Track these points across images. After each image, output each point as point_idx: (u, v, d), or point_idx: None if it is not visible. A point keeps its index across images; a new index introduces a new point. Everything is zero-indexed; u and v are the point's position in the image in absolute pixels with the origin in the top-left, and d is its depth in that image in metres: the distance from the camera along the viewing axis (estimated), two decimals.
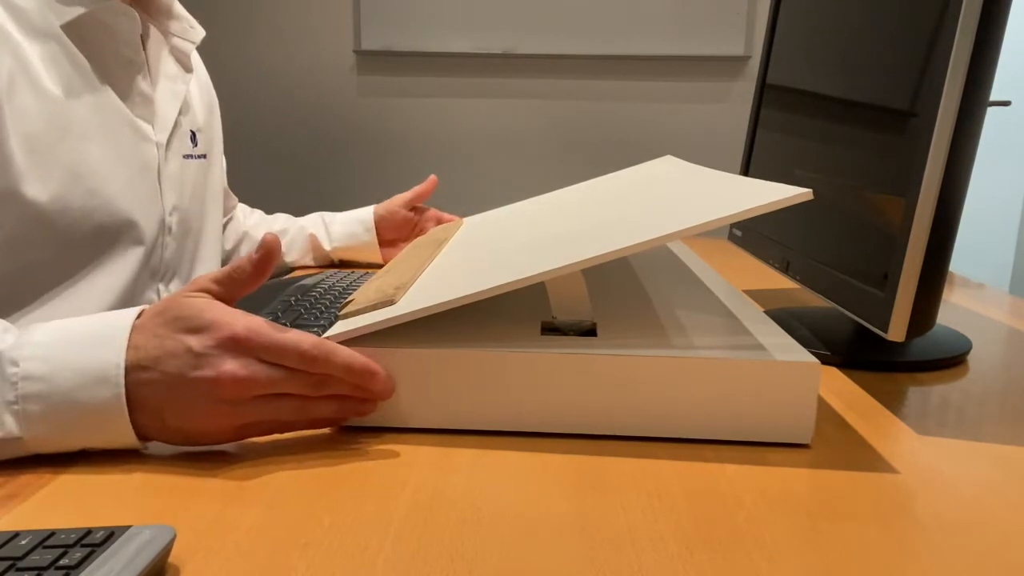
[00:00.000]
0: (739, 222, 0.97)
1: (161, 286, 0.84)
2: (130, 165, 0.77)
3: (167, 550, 0.36)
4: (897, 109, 0.61)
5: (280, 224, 1.13)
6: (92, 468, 0.46)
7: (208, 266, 0.94)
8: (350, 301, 0.60)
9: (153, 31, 0.84)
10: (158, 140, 0.82)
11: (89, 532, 0.35)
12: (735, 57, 2.69)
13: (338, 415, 0.51)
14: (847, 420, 0.56)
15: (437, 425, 0.52)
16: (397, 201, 1.11)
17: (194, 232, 0.90)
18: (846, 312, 0.65)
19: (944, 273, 0.57)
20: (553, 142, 2.82)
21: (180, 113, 0.86)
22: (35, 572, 0.32)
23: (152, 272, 0.82)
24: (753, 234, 0.91)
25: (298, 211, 1.18)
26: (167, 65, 0.86)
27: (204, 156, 0.93)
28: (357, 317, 0.55)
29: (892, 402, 0.60)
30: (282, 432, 0.50)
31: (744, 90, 2.73)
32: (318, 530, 0.40)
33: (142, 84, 0.80)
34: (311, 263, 1.11)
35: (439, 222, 1.12)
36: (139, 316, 0.48)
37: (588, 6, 2.68)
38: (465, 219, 0.95)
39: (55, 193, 0.69)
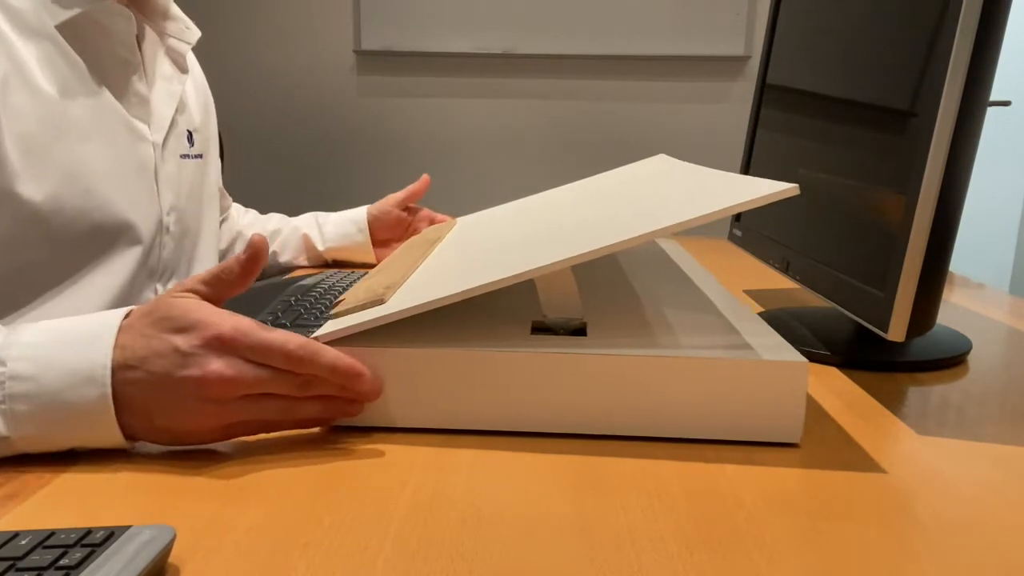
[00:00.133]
0: (739, 222, 0.97)
1: (159, 286, 0.84)
2: (126, 165, 0.77)
3: (167, 550, 0.36)
4: (897, 109, 0.61)
5: (274, 224, 1.13)
6: (92, 468, 0.46)
7: (206, 266, 0.94)
8: (340, 301, 0.60)
9: (149, 31, 0.84)
10: (154, 140, 0.82)
11: (89, 532, 0.35)
12: (735, 57, 2.69)
13: (325, 415, 0.51)
14: (848, 420, 0.56)
15: (426, 425, 0.52)
16: (390, 201, 1.11)
17: (192, 232, 0.90)
18: (846, 312, 0.65)
19: (944, 273, 0.57)
20: (553, 142, 2.82)
21: (176, 113, 0.86)
22: (35, 572, 0.32)
23: (150, 272, 0.82)
24: (753, 234, 0.91)
25: (298, 211, 1.18)
26: (163, 65, 0.86)
27: (201, 156, 0.93)
28: (346, 317, 0.55)
29: (892, 402, 0.60)
30: (268, 432, 0.51)
31: (744, 90, 2.73)
32: (318, 530, 0.40)
33: (138, 84, 0.80)
34: (304, 263, 1.11)
35: (432, 222, 1.12)
36: (127, 316, 0.49)
37: (588, 6, 2.68)
38: (459, 219, 0.95)
39: (50, 193, 0.69)
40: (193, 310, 0.47)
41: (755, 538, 0.40)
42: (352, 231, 1.10)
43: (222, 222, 1.10)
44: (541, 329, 0.56)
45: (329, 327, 0.53)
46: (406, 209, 1.12)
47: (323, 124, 2.84)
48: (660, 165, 0.84)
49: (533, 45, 2.71)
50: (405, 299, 0.54)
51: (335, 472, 0.47)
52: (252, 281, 0.51)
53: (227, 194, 1.11)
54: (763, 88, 0.95)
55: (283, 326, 0.69)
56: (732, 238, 0.99)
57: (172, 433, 0.48)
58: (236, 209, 1.14)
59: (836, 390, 0.62)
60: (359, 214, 1.10)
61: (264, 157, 2.85)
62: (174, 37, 0.87)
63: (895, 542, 0.40)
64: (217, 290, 0.51)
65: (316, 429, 0.52)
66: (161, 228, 0.83)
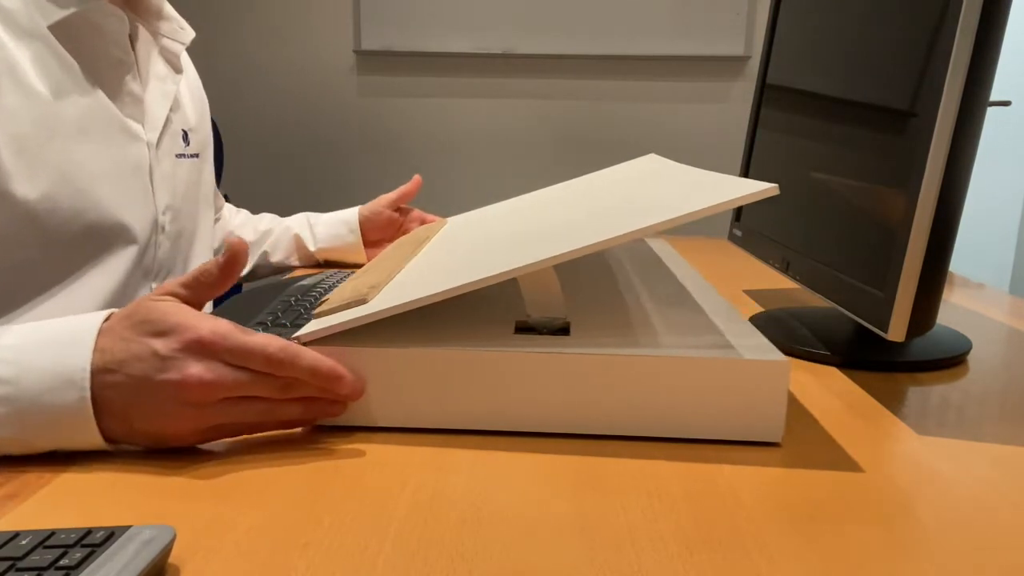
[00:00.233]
0: (739, 222, 0.97)
1: (155, 285, 0.84)
2: (121, 165, 0.77)
3: (167, 550, 0.36)
4: (897, 109, 0.61)
5: (265, 224, 1.13)
6: (92, 468, 0.46)
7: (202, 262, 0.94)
8: (325, 300, 0.60)
9: (142, 31, 0.84)
10: (149, 140, 0.82)
11: (89, 532, 0.35)
12: (735, 57, 2.69)
13: (306, 417, 0.51)
14: (848, 420, 0.56)
15: (409, 424, 0.52)
16: (382, 202, 1.11)
17: (188, 231, 0.90)
18: (846, 312, 0.65)
19: (944, 273, 0.57)
20: (553, 142, 2.82)
21: (171, 112, 0.86)
22: (35, 572, 0.32)
23: (145, 271, 0.82)
24: (753, 234, 0.91)
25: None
26: (157, 65, 0.86)
27: (197, 155, 0.93)
28: (328, 316, 0.55)
29: (892, 402, 0.60)
30: (250, 433, 0.51)
31: (744, 90, 2.73)
32: (318, 530, 0.40)
33: (131, 84, 0.80)
34: (296, 263, 1.11)
35: (423, 222, 1.12)
36: (107, 319, 0.49)
37: (588, 6, 2.68)
38: (449, 219, 0.95)
39: (44, 193, 0.69)
40: (172, 313, 0.47)
41: (755, 538, 0.40)
42: (343, 232, 1.10)
43: (215, 222, 1.10)
44: (525, 329, 0.56)
45: (311, 327, 0.53)
46: (398, 210, 1.12)
47: (323, 124, 2.84)
48: (649, 165, 0.85)
49: (533, 45, 2.71)
50: (388, 299, 0.54)
51: (335, 472, 0.47)
52: (231, 283, 0.51)
53: (220, 194, 1.11)
54: (763, 88, 0.95)
55: (283, 326, 0.69)
56: (732, 238, 0.99)
57: (152, 436, 0.48)
58: (228, 209, 1.14)
59: (836, 390, 0.62)
60: (351, 215, 1.10)
61: (264, 157, 2.85)
62: (168, 37, 0.87)
63: (895, 542, 0.40)
64: (197, 293, 0.51)
65: (302, 429, 0.52)
66: (156, 228, 0.83)
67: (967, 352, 0.72)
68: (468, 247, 0.67)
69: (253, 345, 0.47)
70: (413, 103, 2.82)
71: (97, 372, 0.46)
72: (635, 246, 0.95)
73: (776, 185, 0.49)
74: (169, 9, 0.87)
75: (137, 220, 0.79)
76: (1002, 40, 0.53)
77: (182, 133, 0.89)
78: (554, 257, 0.50)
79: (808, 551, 0.39)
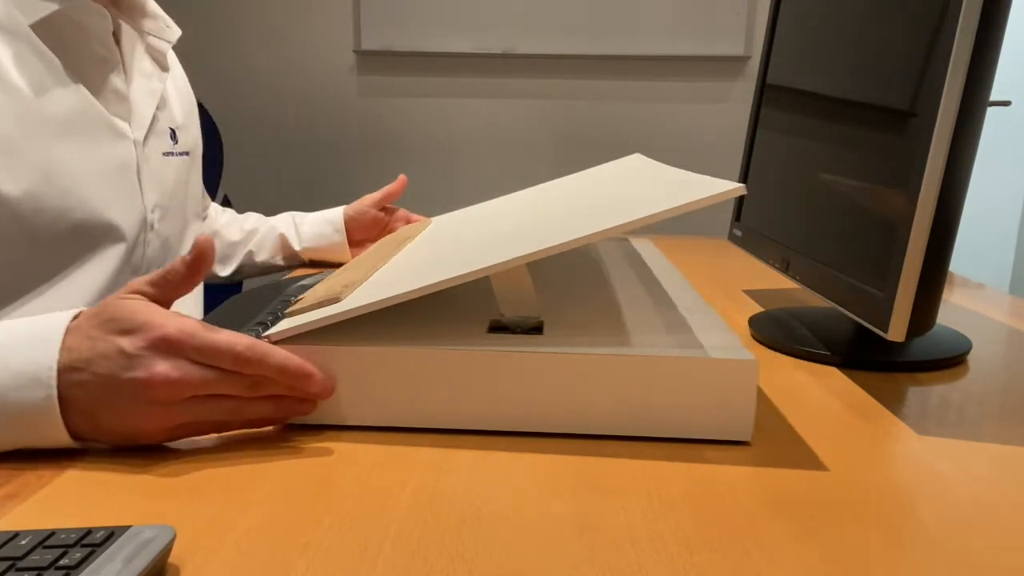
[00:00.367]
0: (739, 222, 0.97)
1: None
2: (107, 163, 0.77)
3: (167, 550, 0.36)
4: (897, 109, 0.61)
5: (251, 224, 1.13)
6: (92, 468, 0.46)
7: None
8: (299, 300, 0.60)
9: (127, 29, 0.84)
10: (135, 137, 0.81)
11: (89, 532, 0.35)
12: (735, 57, 2.69)
13: (276, 415, 0.51)
14: (847, 420, 0.56)
15: (380, 423, 0.52)
16: (367, 201, 1.11)
17: (178, 229, 0.90)
18: (846, 312, 0.65)
19: (944, 273, 0.57)
20: (553, 142, 2.82)
21: (157, 110, 0.85)
22: (35, 572, 0.32)
23: (134, 269, 0.82)
24: (753, 234, 0.91)
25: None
26: (143, 63, 0.85)
27: (187, 154, 0.92)
28: (300, 316, 0.55)
29: (892, 402, 0.60)
30: (219, 432, 0.51)
31: (744, 90, 2.73)
32: (318, 530, 0.40)
33: (116, 82, 0.80)
34: (281, 263, 1.11)
35: (408, 222, 1.12)
36: (75, 318, 0.49)
37: (588, 6, 2.67)
38: (434, 218, 0.96)
39: (27, 191, 0.69)
40: (140, 312, 0.47)
41: (755, 538, 0.40)
42: (329, 231, 1.10)
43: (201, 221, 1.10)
44: (499, 328, 0.56)
45: (281, 325, 0.53)
46: (383, 209, 1.12)
47: (323, 124, 2.84)
48: (632, 164, 0.85)
49: (533, 45, 2.71)
50: (360, 298, 0.54)
51: (335, 472, 0.47)
52: (199, 281, 0.51)
53: (206, 194, 1.11)
54: (763, 88, 0.95)
55: None
56: (732, 238, 0.99)
57: (120, 434, 0.48)
58: (214, 209, 1.14)
59: (836, 390, 0.62)
60: (336, 214, 1.10)
61: (264, 157, 2.85)
62: (153, 35, 0.87)
63: (895, 542, 0.40)
64: (164, 291, 0.51)
65: (273, 428, 0.52)
66: (145, 226, 0.82)
67: (967, 352, 0.72)
68: (445, 246, 0.67)
69: (220, 343, 0.47)
70: (413, 103, 2.82)
71: (64, 370, 0.46)
72: (619, 245, 0.96)
73: (742, 186, 0.49)
74: (154, 7, 0.87)
75: (125, 218, 0.79)
76: (1002, 40, 0.53)
77: (169, 131, 0.89)
78: (521, 257, 0.50)
79: (808, 551, 0.39)
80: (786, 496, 0.44)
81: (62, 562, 0.33)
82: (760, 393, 0.61)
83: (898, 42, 0.62)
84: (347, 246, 1.09)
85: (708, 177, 0.56)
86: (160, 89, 0.87)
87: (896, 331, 0.57)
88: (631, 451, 0.50)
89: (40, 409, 0.46)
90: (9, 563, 0.33)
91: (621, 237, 1.06)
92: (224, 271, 1.10)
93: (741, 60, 2.71)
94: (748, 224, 0.94)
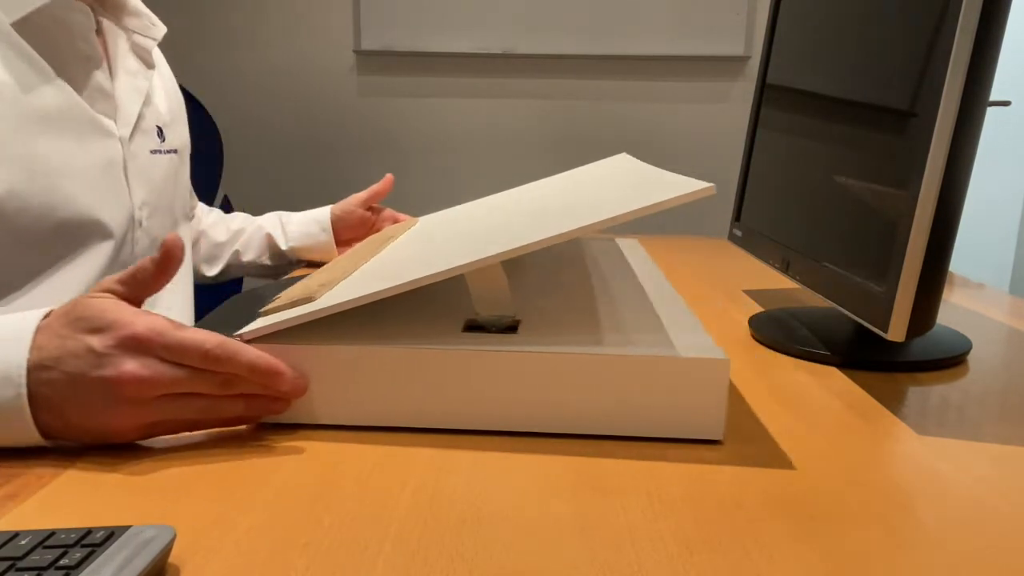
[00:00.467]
0: (739, 222, 0.97)
1: None
2: (92, 160, 0.77)
3: (167, 550, 0.36)
4: (897, 109, 0.61)
5: (238, 223, 1.13)
6: (92, 468, 0.46)
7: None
8: (277, 298, 0.60)
9: (112, 27, 0.84)
10: (121, 135, 0.81)
11: (89, 532, 0.35)
12: (735, 57, 2.69)
13: (249, 413, 0.51)
14: (847, 420, 0.56)
15: (354, 422, 0.52)
16: (353, 201, 1.11)
17: (167, 227, 0.89)
18: (846, 312, 0.65)
19: (944, 273, 0.57)
20: (553, 142, 2.82)
21: (143, 107, 0.85)
22: (35, 572, 0.32)
23: (122, 266, 0.82)
24: (753, 234, 0.91)
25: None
26: (128, 61, 0.85)
27: (175, 151, 0.92)
28: (273, 315, 0.55)
29: (892, 402, 0.60)
30: (192, 431, 0.51)
31: (744, 90, 2.73)
32: (318, 530, 0.40)
33: (101, 79, 0.80)
34: (268, 262, 1.11)
35: (395, 221, 1.12)
36: (46, 317, 0.49)
37: (588, 6, 2.67)
38: (420, 218, 0.96)
39: (11, 189, 0.69)
40: (109, 310, 0.48)
41: (755, 538, 0.40)
42: (315, 230, 1.10)
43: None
44: (475, 327, 0.56)
45: (254, 324, 0.53)
46: (370, 208, 1.11)
47: (323, 124, 2.84)
48: (615, 164, 0.85)
49: (533, 45, 2.71)
50: (335, 296, 0.54)
51: (335, 472, 0.47)
52: (168, 280, 0.51)
53: (193, 193, 1.11)
54: (763, 88, 0.95)
55: None
56: (732, 238, 0.99)
57: (90, 432, 0.48)
58: (200, 208, 1.13)
59: (836, 390, 0.62)
60: (322, 213, 1.11)
61: (264, 157, 2.85)
62: (139, 33, 0.87)
63: (895, 542, 0.40)
64: (134, 289, 0.51)
65: (247, 426, 0.52)
66: (133, 223, 0.82)
67: (967, 352, 0.72)
68: (424, 246, 0.67)
69: (189, 341, 0.47)
70: (413, 103, 2.82)
71: (33, 369, 0.46)
72: (604, 245, 0.96)
73: (712, 185, 0.49)
74: (137, 4, 0.87)
75: (112, 216, 0.79)
76: (1002, 40, 0.53)
77: (156, 129, 0.89)
78: (489, 257, 0.50)
79: (808, 551, 0.39)
80: (786, 496, 0.44)
81: (62, 562, 0.33)
82: (760, 393, 0.61)
83: (898, 42, 0.62)
84: (334, 245, 1.09)
85: (684, 177, 0.56)
86: (146, 87, 0.87)
87: (896, 331, 0.57)
88: (631, 451, 0.50)
89: (10, 407, 0.46)
90: (9, 563, 0.33)
91: (607, 237, 1.06)
92: (211, 271, 1.10)
93: (741, 60, 2.71)
94: (748, 224, 0.94)
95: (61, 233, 0.74)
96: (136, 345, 0.46)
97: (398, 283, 0.51)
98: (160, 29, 0.90)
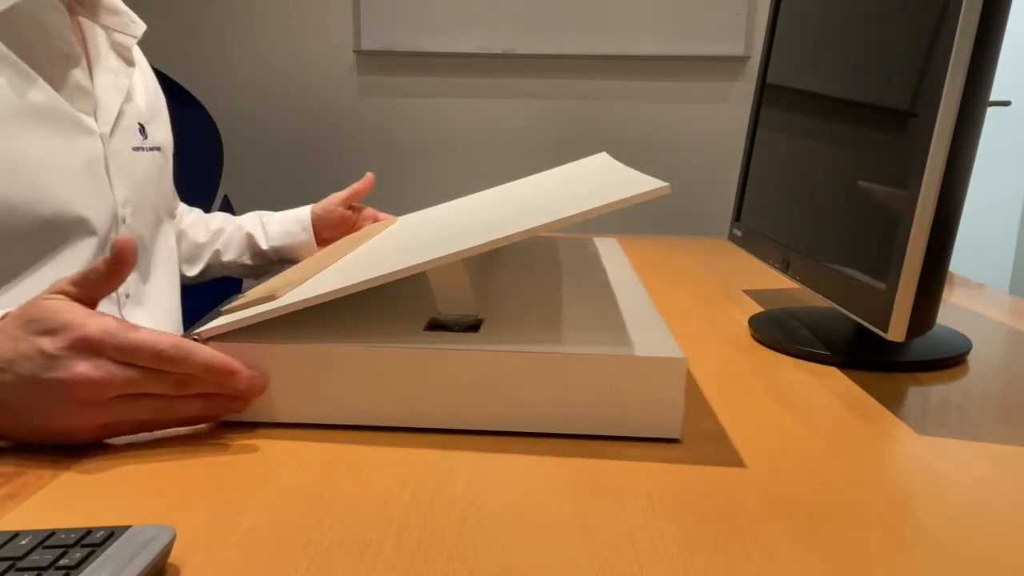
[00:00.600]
0: (739, 222, 0.97)
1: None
2: (73, 158, 0.77)
3: (167, 550, 0.35)
4: (897, 109, 0.61)
5: (218, 223, 1.12)
6: (92, 468, 0.46)
7: (165, 257, 0.94)
8: (240, 297, 0.60)
9: (89, 24, 0.84)
10: (102, 132, 0.81)
11: (89, 532, 0.35)
12: (735, 57, 2.69)
13: (207, 413, 0.51)
14: (847, 421, 0.56)
15: (313, 420, 0.53)
16: (334, 200, 1.11)
17: (150, 224, 0.90)
18: (846, 312, 0.65)
19: (944, 272, 0.57)
20: (553, 142, 2.82)
21: (124, 104, 0.85)
22: (35, 572, 0.32)
23: None
24: (753, 234, 0.91)
25: None
26: (108, 59, 0.86)
27: (158, 149, 0.92)
28: (233, 313, 0.55)
29: (892, 402, 0.60)
30: (150, 431, 0.51)
31: (744, 90, 2.73)
32: (318, 530, 0.40)
33: (80, 77, 0.80)
34: (248, 262, 1.11)
35: (376, 221, 1.12)
36: (1, 319, 0.49)
37: (588, 6, 2.67)
38: (400, 217, 0.95)
39: None
40: (62, 312, 0.47)
41: (755, 538, 0.40)
42: (296, 230, 1.09)
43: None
44: (437, 326, 0.56)
45: (213, 323, 0.53)
46: (351, 208, 1.11)
47: (323, 124, 2.84)
48: (592, 165, 0.85)
49: (533, 45, 2.71)
50: (297, 295, 0.54)
51: (335, 472, 0.47)
52: (121, 281, 0.51)
53: (176, 194, 1.10)
54: (763, 88, 0.95)
55: None
56: (732, 238, 0.99)
57: (45, 433, 0.48)
58: (181, 208, 1.13)
59: (836, 390, 0.62)
60: (303, 213, 1.10)
61: (264, 157, 2.85)
62: (118, 31, 0.87)
63: (895, 542, 0.40)
64: (87, 291, 0.51)
65: (207, 425, 0.52)
66: (116, 220, 0.82)
67: (967, 352, 0.72)
68: (395, 244, 0.67)
69: (140, 342, 0.47)
70: (413, 103, 2.82)
71: None
72: (580, 244, 0.96)
73: (666, 184, 0.49)
74: (115, 2, 0.87)
75: (95, 213, 0.79)
76: (1002, 40, 0.53)
77: (138, 126, 0.89)
78: (445, 256, 0.50)
79: (808, 551, 0.39)
80: (786, 496, 0.44)
81: (62, 562, 0.33)
82: (760, 393, 0.61)
83: (898, 42, 0.62)
84: (315, 244, 1.09)
85: (646, 177, 0.56)
86: (127, 84, 0.87)
87: (896, 331, 0.57)
88: (631, 451, 0.50)
89: None
90: (9, 563, 0.33)
91: (585, 236, 1.06)
92: (191, 271, 1.10)
93: (741, 60, 2.71)
94: (748, 224, 0.94)
95: (44, 231, 0.74)
96: (88, 347, 0.46)
97: (356, 281, 0.51)
98: (139, 27, 0.90)
